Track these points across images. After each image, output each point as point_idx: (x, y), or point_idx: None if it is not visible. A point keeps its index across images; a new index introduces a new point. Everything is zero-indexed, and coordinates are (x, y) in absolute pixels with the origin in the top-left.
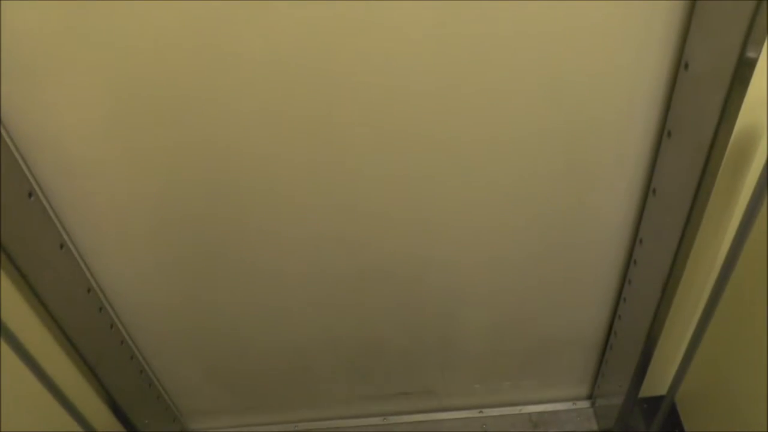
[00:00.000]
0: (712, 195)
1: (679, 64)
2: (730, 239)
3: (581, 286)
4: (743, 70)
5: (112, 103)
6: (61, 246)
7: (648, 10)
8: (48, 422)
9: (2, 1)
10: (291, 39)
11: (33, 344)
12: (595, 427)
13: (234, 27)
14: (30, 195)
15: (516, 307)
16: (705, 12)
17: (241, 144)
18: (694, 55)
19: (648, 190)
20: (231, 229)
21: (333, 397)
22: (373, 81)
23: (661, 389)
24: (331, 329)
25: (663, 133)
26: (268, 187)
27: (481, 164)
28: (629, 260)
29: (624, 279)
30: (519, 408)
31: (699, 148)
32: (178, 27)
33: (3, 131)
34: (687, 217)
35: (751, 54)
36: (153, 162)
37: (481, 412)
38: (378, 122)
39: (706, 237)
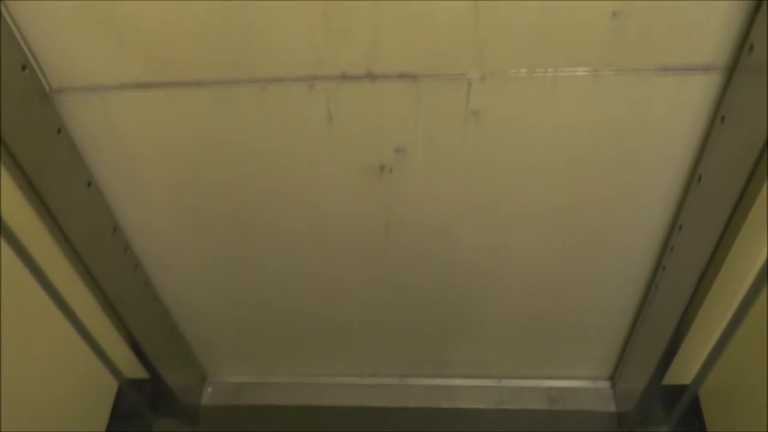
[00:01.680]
0: (763, 186)
1: (743, 46)
2: None
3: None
4: None
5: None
6: (89, 184)
7: None
8: (71, 358)
9: None
10: None
11: (59, 281)
12: (612, 408)
13: None
14: (59, 130)
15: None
16: None
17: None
18: (759, 37)
19: (693, 177)
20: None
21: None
22: None
23: (685, 379)
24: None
25: (716, 118)
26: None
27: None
28: (666, 246)
29: (658, 265)
30: (538, 381)
31: (754, 136)
32: None
33: (35, 68)
34: (733, 208)
35: None
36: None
37: (499, 381)
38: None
39: (751, 230)
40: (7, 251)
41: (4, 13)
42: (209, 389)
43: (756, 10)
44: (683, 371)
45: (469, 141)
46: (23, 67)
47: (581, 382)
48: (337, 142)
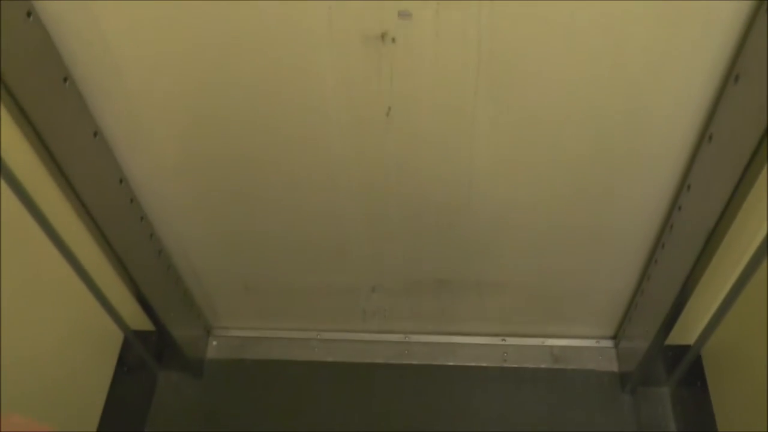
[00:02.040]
0: None
1: (761, 5)
2: None
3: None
4: None
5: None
6: (95, 134)
7: None
8: (77, 309)
9: None
10: None
11: (65, 232)
12: (615, 368)
13: None
14: (65, 80)
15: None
16: None
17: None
18: None
19: (704, 136)
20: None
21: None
22: None
23: (689, 339)
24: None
25: (729, 77)
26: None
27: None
28: (673, 206)
29: (665, 224)
30: (542, 340)
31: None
32: None
33: (36, 13)
34: (744, 168)
35: None
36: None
37: (503, 340)
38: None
39: (760, 192)
40: (14, 201)
41: None
42: (214, 343)
43: None
44: (686, 331)
45: (485, 14)
46: (28, 14)
47: (585, 341)
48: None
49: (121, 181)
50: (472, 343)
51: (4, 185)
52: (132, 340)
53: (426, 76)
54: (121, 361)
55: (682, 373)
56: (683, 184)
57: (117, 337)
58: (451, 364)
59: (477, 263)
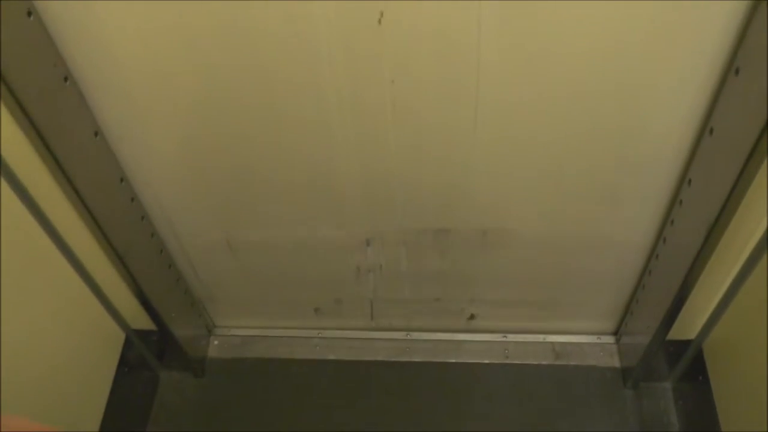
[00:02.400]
0: None
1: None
2: None
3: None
4: None
5: None
6: (96, 134)
7: None
8: (78, 309)
9: None
10: None
11: (66, 232)
12: (617, 363)
13: None
14: (66, 79)
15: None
16: None
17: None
18: None
19: (704, 130)
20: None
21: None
22: None
23: (690, 334)
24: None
25: (731, 69)
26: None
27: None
28: (674, 200)
29: (666, 219)
30: (543, 337)
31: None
32: None
33: (37, 13)
34: (744, 162)
35: None
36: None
37: (505, 336)
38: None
39: (761, 185)
40: (15, 201)
41: None
42: (215, 342)
43: None
44: (688, 326)
45: None
46: (29, 14)
47: (586, 337)
48: None
49: (121, 180)
50: (474, 340)
51: (4, 184)
52: (133, 339)
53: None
54: (123, 360)
55: (684, 367)
56: (684, 179)
57: (118, 337)
58: (453, 361)
59: (481, 209)
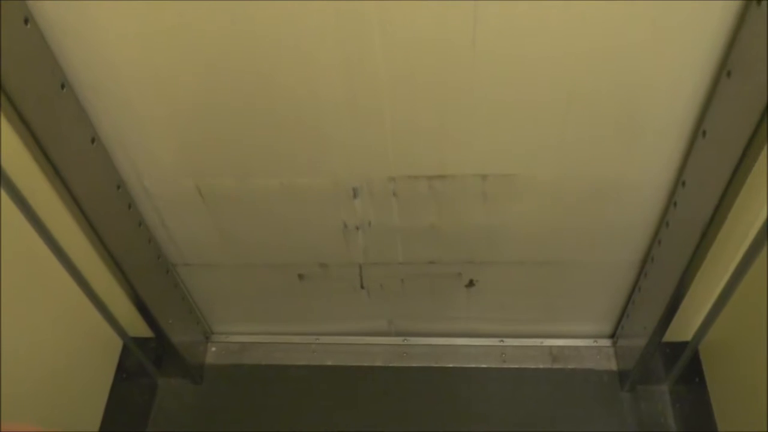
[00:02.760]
0: (764, 145)
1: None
2: None
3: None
4: None
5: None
6: (93, 140)
7: None
8: (76, 316)
9: None
10: None
11: (63, 239)
12: (614, 366)
13: None
14: (63, 86)
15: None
16: None
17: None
18: None
19: (698, 132)
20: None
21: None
22: None
23: (686, 335)
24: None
25: (722, 72)
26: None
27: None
28: (669, 202)
29: (661, 221)
30: (540, 340)
31: (759, 90)
32: None
33: (33, 20)
34: (737, 163)
35: None
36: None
37: (501, 341)
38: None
39: (754, 186)
40: (12, 208)
41: None
42: (213, 348)
43: None
44: (684, 328)
45: None
46: (26, 21)
47: (583, 340)
48: None
49: (119, 186)
50: (471, 345)
51: (2, 191)
52: (131, 346)
53: None
54: (121, 367)
55: (681, 369)
56: (678, 180)
57: (116, 344)
58: (451, 365)
59: (481, 151)
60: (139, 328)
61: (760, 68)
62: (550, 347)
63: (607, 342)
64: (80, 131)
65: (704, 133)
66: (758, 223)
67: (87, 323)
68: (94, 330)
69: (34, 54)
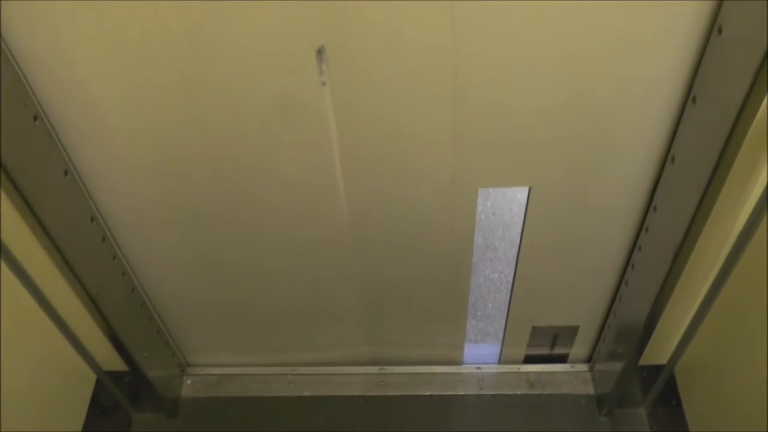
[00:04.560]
0: (733, 166)
1: (713, 28)
2: (748, 213)
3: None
4: None
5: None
6: (66, 173)
7: None
8: (48, 350)
9: None
10: None
11: (36, 272)
12: (591, 391)
13: None
14: (35, 118)
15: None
16: None
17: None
18: (730, 19)
19: (666, 157)
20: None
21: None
22: None
23: (662, 359)
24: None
25: (688, 99)
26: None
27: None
28: (641, 227)
29: (634, 245)
30: (517, 367)
31: (724, 117)
32: None
33: (6, 52)
34: (705, 187)
35: None
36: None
37: (478, 368)
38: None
39: (724, 209)
40: None
41: None
42: (188, 381)
43: None
44: (659, 351)
45: None
46: None
47: (560, 365)
48: None
49: (92, 219)
50: (448, 372)
51: None
52: (105, 381)
53: None
54: (94, 402)
55: (658, 392)
56: (650, 205)
57: (89, 379)
58: (428, 393)
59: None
60: (114, 362)
61: (723, 95)
62: (528, 373)
63: (583, 366)
64: (52, 163)
65: (673, 158)
66: (728, 245)
67: (59, 357)
68: (67, 364)
69: (7, 86)
